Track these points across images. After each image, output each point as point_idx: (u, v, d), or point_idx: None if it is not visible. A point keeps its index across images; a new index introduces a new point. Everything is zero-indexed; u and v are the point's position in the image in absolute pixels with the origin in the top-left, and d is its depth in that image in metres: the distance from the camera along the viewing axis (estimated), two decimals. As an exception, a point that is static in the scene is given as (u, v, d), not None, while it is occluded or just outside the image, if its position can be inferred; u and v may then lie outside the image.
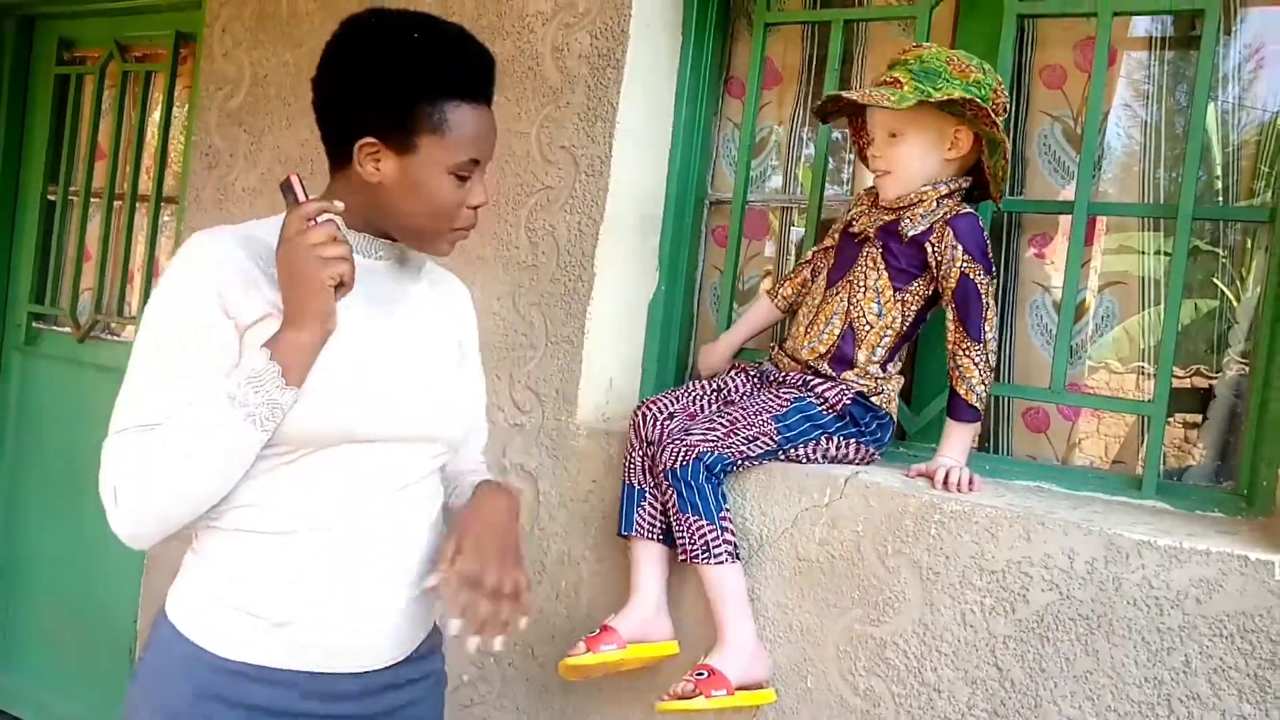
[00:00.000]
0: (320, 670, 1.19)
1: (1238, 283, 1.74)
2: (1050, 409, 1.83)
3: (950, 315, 1.55)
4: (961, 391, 1.54)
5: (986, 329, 1.54)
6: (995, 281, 1.55)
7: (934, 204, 1.56)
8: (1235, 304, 1.73)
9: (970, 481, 1.53)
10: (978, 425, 1.56)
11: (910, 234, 1.56)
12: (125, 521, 1.13)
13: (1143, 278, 1.80)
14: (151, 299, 1.16)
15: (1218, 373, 1.73)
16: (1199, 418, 1.75)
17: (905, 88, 1.50)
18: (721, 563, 1.52)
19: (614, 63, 1.88)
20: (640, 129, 1.94)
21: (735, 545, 1.55)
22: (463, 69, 1.19)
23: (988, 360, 1.54)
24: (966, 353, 1.54)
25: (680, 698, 1.45)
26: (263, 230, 1.22)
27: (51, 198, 3.24)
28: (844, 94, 1.55)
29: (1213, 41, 1.59)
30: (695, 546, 1.52)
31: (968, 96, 1.48)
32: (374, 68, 1.17)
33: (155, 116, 3.01)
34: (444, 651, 1.38)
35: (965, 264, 1.53)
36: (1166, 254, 1.69)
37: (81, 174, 3.18)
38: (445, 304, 1.39)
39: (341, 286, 1.13)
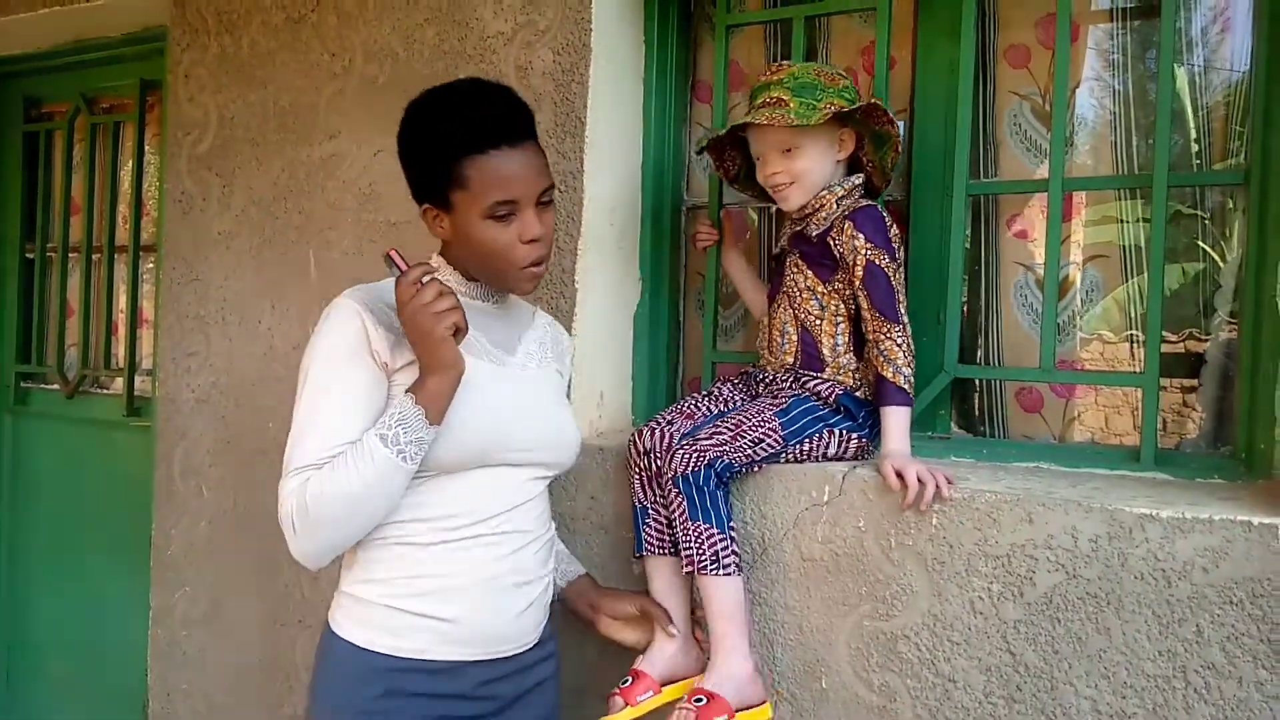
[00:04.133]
0: (487, 658, 1.40)
1: (1221, 244, 1.74)
2: (1043, 388, 1.83)
3: (865, 304, 1.56)
4: (889, 375, 1.52)
5: (901, 310, 1.55)
6: (901, 268, 1.59)
7: (834, 205, 1.62)
8: (1221, 265, 1.73)
9: (937, 485, 1.45)
10: (910, 409, 1.54)
11: (815, 233, 1.62)
12: (303, 547, 1.32)
13: (1125, 246, 1.79)
14: (311, 352, 1.36)
15: (1208, 335, 1.73)
16: (1193, 383, 1.75)
17: (792, 105, 1.56)
18: (729, 574, 1.49)
19: (578, 77, 1.87)
20: (610, 141, 1.93)
21: (741, 557, 1.53)
22: (467, 126, 1.33)
23: (909, 341, 1.55)
24: (888, 335, 1.54)
25: None
26: (389, 288, 1.39)
27: (30, 255, 3.23)
28: (748, 120, 1.59)
29: (1174, 8, 1.59)
30: (704, 556, 1.49)
31: (848, 103, 1.58)
32: (409, 146, 1.39)
33: (128, 167, 3.00)
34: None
35: (868, 251, 1.55)
36: (1147, 220, 1.69)
37: (58, 230, 3.17)
38: (551, 341, 1.60)
39: (459, 332, 1.29)
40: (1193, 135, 1.75)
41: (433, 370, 1.29)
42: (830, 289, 1.63)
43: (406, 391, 1.30)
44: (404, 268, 1.31)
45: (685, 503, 1.50)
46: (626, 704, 1.50)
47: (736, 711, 1.46)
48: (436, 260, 1.45)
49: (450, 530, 1.37)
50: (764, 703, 1.53)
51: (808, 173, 1.62)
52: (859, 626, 1.53)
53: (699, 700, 1.44)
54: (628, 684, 1.52)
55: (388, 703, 1.34)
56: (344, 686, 1.36)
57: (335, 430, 1.31)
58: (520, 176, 1.34)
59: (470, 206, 1.34)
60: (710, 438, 1.52)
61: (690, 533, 1.50)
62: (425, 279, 1.29)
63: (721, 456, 1.50)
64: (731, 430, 1.54)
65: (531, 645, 1.47)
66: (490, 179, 1.32)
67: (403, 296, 1.28)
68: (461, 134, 1.33)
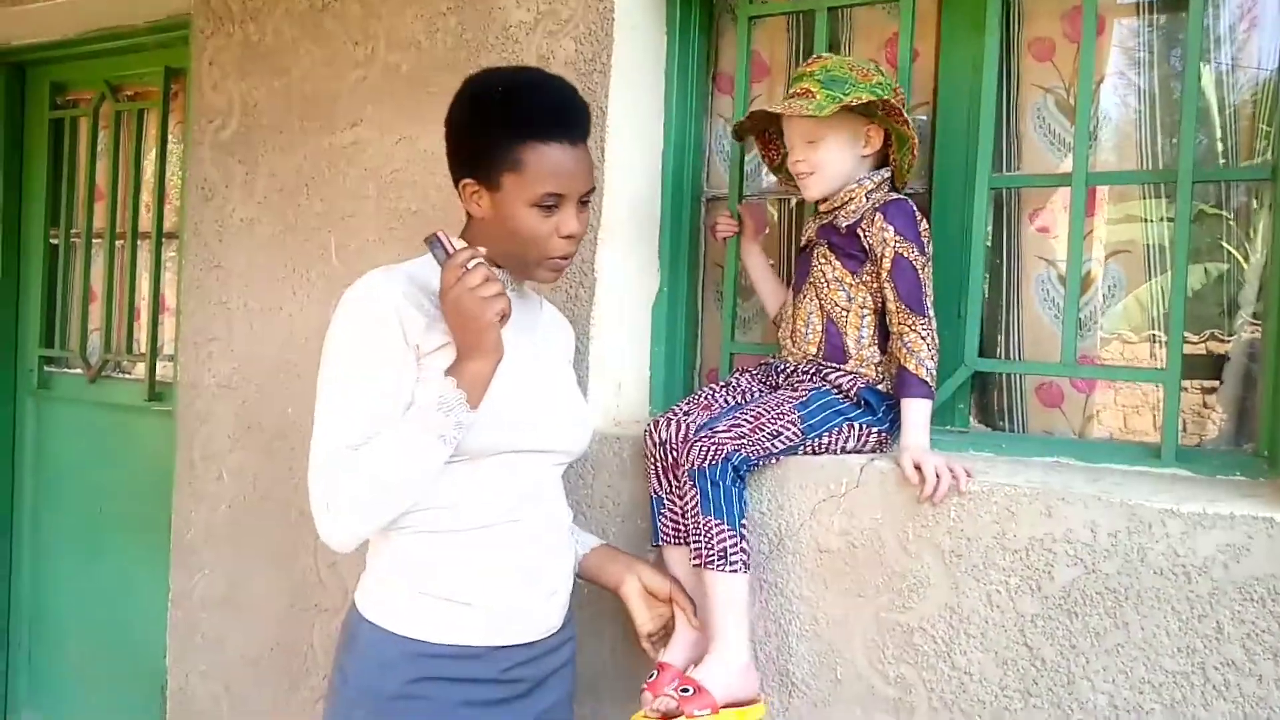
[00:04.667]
0: (514, 643, 1.41)
1: (1245, 244, 1.72)
2: (1063, 383, 1.82)
3: (891, 295, 1.57)
4: (911, 367, 1.53)
5: (928, 304, 1.56)
6: (930, 263, 1.59)
7: (863, 198, 1.63)
8: (1244, 266, 1.71)
9: (955, 479, 1.46)
10: (931, 402, 1.54)
11: (845, 225, 1.63)
12: (335, 531, 1.30)
13: (1149, 245, 1.78)
14: (335, 331, 1.35)
15: (1231, 336, 1.71)
16: (1215, 383, 1.74)
17: (818, 96, 1.57)
18: (735, 571, 1.48)
19: (600, 67, 1.87)
20: (631, 131, 1.93)
21: (749, 555, 1.52)
22: (535, 113, 1.34)
23: (934, 335, 1.55)
24: (913, 328, 1.54)
25: (663, 716, 1.42)
26: (416, 270, 1.41)
27: (54, 241, 3.26)
28: (767, 108, 1.63)
29: (1201, 2, 1.57)
30: (712, 552, 1.48)
31: (876, 98, 1.56)
32: (467, 120, 1.38)
33: (152, 154, 3.02)
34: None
35: (898, 244, 1.56)
36: (1171, 220, 1.68)
37: (82, 216, 3.20)
38: (559, 327, 1.64)
39: (504, 318, 1.30)
40: (1218, 135, 1.74)
41: (475, 355, 1.30)
42: (858, 280, 1.63)
43: (446, 374, 1.30)
44: (451, 250, 1.31)
45: (699, 496, 1.49)
46: (655, 697, 1.46)
47: (724, 707, 1.45)
48: (459, 243, 1.45)
49: (478, 516, 1.38)
50: (756, 700, 1.51)
51: (828, 164, 1.63)
52: (875, 618, 1.53)
53: (685, 690, 1.43)
54: (654, 678, 1.51)
55: (416, 687, 1.35)
56: (373, 670, 1.36)
57: (369, 413, 1.30)
58: (573, 174, 1.36)
59: (520, 191, 1.34)
60: (728, 430, 1.51)
61: (701, 526, 1.49)
62: (472, 263, 1.29)
63: (739, 450, 1.49)
64: (750, 423, 1.53)
65: (557, 629, 1.49)
66: (547, 169, 1.33)
67: (448, 280, 1.28)
68: (532, 119, 1.33)
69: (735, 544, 1.48)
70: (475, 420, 1.31)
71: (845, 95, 1.56)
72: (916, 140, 1.63)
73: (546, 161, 1.33)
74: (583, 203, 1.40)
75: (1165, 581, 1.33)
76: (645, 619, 1.58)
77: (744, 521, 1.50)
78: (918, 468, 1.47)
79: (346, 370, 1.32)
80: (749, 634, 1.52)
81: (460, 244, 1.36)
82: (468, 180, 1.39)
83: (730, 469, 1.48)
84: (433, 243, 1.34)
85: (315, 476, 1.30)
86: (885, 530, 1.52)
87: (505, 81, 1.38)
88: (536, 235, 1.37)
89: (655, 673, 1.52)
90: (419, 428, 1.28)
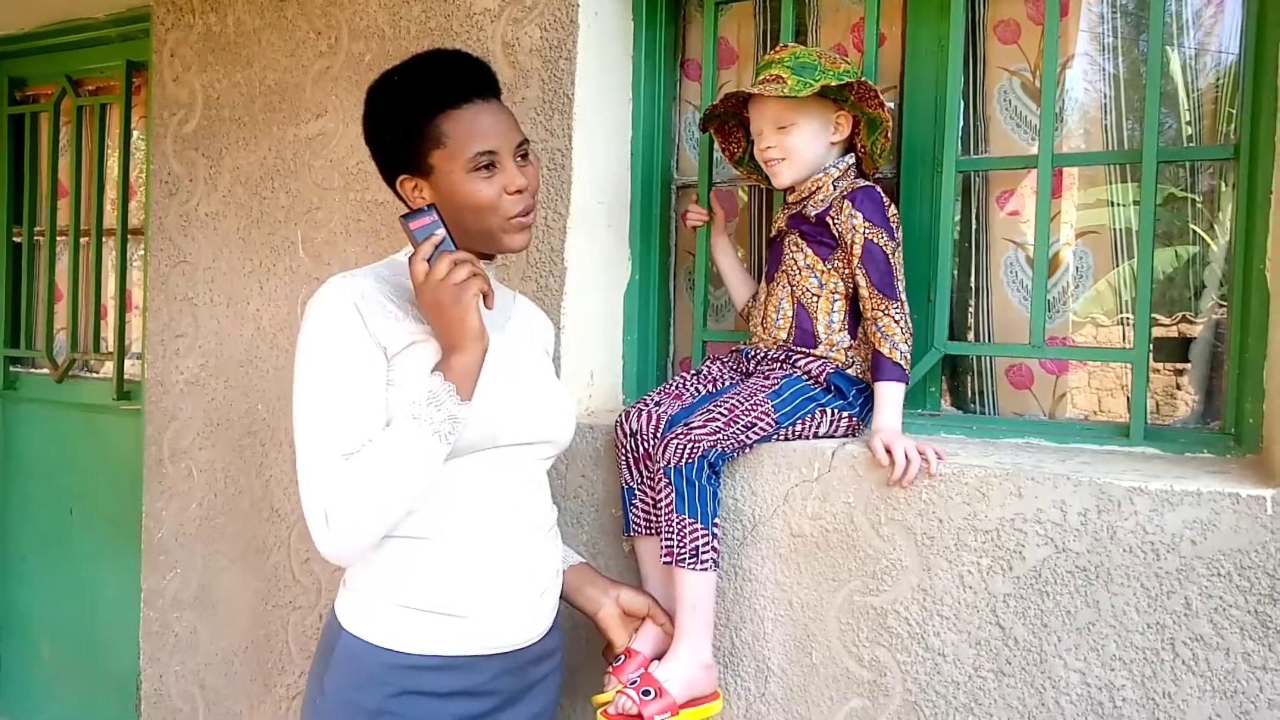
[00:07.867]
0: (502, 650, 1.37)
1: (1214, 227, 1.74)
2: (1033, 365, 1.83)
3: (863, 282, 1.57)
4: (885, 351, 1.54)
5: (900, 289, 1.57)
6: (900, 248, 1.60)
7: (830, 187, 1.64)
8: (1212, 248, 1.73)
9: (925, 461, 1.46)
10: (905, 385, 1.55)
11: (814, 213, 1.63)
12: (336, 540, 1.24)
13: (1117, 230, 1.79)
14: (304, 341, 1.31)
15: (1199, 318, 1.73)
16: (1185, 366, 1.75)
17: (790, 81, 1.57)
18: (705, 570, 1.48)
19: (566, 54, 1.86)
20: (599, 118, 1.92)
21: (720, 553, 1.52)
22: (439, 85, 1.33)
23: (907, 319, 1.56)
24: (886, 312, 1.55)
25: (619, 717, 1.43)
26: (379, 270, 1.39)
27: (17, 239, 3.21)
28: (744, 89, 1.62)
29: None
30: (684, 550, 1.47)
31: (852, 81, 1.57)
32: (381, 118, 1.37)
33: (115, 149, 2.98)
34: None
35: (867, 230, 1.56)
36: (1138, 204, 1.68)
37: (45, 213, 3.15)
38: (534, 320, 1.61)
39: (486, 298, 1.28)
40: (1184, 119, 1.75)
41: (458, 346, 1.27)
42: (829, 267, 1.63)
43: (434, 370, 1.27)
44: (417, 242, 1.28)
45: (674, 494, 1.48)
46: (620, 685, 1.48)
47: (684, 707, 1.46)
48: (441, 232, 1.41)
49: (464, 518, 1.34)
50: (715, 696, 1.53)
51: (800, 150, 1.63)
52: (849, 601, 1.53)
53: (646, 692, 1.44)
54: (620, 662, 1.52)
55: (396, 703, 1.29)
56: (356, 683, 1.31)
57: (356, 417, 1.26)
58: (496, 128, 1.34)
59: (452, 163, 1.32)
60: (704, 425, 1.51)
61: (674, 524, 1.49)
62: (431, 256, 1.26)
63: (715, 446, 1.49)
64: (725, 416, 1.53)
65: (543, 635, 1.44)
66: (468, 131, 1.31)
67: (416, 275, 1.26)
68: (435, 93, 1.32)
69: (707, 543, 1.48)
70: (469, 413, 1.28)
71: (816, 80, 1.55)
72: (890, 123, 1.63)
73: (466, 124, 1.31)
74: (522, 156, 1.37)
75: (1134, 559, 1.34)
76: (623, 640, 1.55)
77: (717, 520, 1.51)
78: (888, 450, 1.47)
79: (323, 377, 1.27)
80: (711, 633, 1.53)
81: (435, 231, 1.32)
82: (403, 177, 1.37)
83: (706, 465, 1.48)
84: (405, 225, 1.30)
85: (310, 490, 1.24)
86: (857, 514, 1.52)
87: (399, 70, 1.37)
88: (487, 200, 1.33)
89: (622, 658, 1.52)
90: (412, 427, 1.24)
